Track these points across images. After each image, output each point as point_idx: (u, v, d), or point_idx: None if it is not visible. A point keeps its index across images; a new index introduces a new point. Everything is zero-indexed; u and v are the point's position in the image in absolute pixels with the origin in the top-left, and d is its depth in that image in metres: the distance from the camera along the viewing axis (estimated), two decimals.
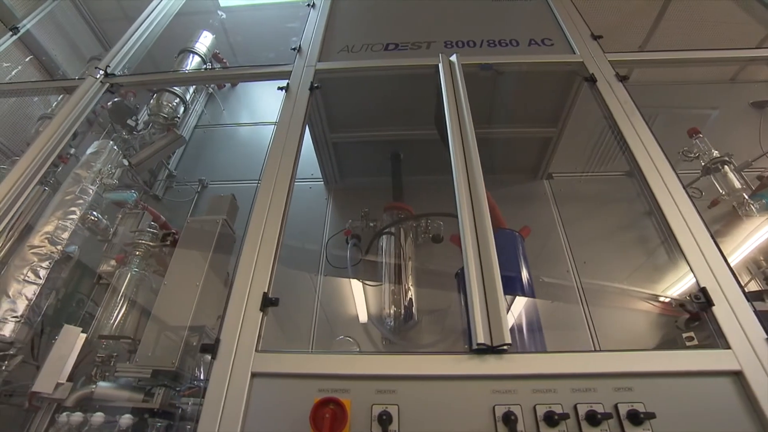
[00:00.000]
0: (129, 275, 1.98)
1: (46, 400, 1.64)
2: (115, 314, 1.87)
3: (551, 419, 1.11)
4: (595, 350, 1.26)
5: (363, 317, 2.34)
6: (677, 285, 2.24)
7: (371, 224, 2.40)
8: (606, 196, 2.70)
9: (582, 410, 1.13)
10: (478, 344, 1.21)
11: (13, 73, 2.95)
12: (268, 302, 1.36)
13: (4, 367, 1.87)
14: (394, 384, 1.20)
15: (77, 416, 1.46)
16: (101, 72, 2.72)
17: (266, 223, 1.54)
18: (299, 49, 2.28)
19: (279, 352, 1.28)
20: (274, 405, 1.20)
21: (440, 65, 2.05)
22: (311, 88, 2.02)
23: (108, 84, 2.29)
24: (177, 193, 3.02)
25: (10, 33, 2.83)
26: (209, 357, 1.52)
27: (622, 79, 1.92)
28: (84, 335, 1.73)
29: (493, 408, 1.14)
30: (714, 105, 3.01)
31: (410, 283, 2.14)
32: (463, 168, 1.61)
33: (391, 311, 2.05)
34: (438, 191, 2.81)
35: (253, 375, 1.23)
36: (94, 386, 1.63)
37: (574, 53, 2.12)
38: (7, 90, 2.66)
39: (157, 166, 3.06)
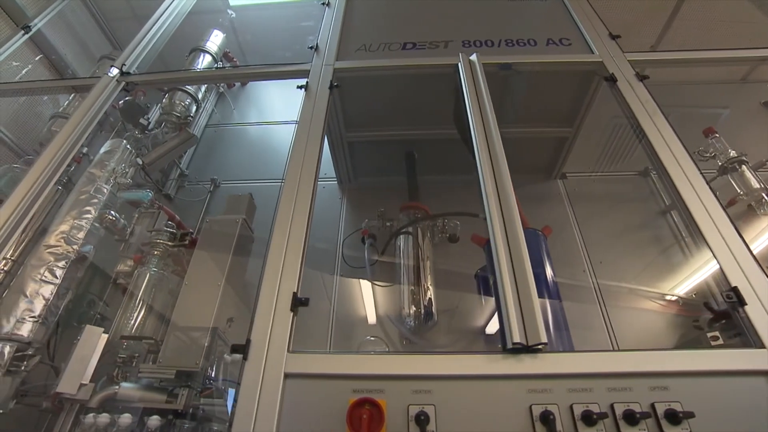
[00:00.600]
0: (148, 275, 1.96)
1: (69, 400, 1.63)
2: (134, 314, 1.86)
3: (590, 419, 1.11)
4: (631, 350, 1.25)
5: (372, 318, 2.34)
6: (688, 284, 2.26)
7: (388, 224, 2.39)
8: (620, 196, 2.71)
9: (619, 410, 1.13)
10: (513, 344, 1.20)
11: (23, 71, 2.92)
12: (298, 302, 1.35)
13: (23, 368, 1.86)
14: (430, 384, 1.20)
15: (104, 417, 1.44)
16: (114, 70, 2.71)
17: (292, 223, 1.53)
18: (316, 48, 2.27)
19: (312, 353, 1.27)
20: (308, 406, 1.19)
21: (460, 65, 2.05)
22: (331, 87, 2.01)
23: (123, 83, 2.27)
24: (189, 192, 3.00)
25: (23, 32, 2.80)
26: (228, 357, 1.51)
27: (642, 78, 1.92)
28: (105, 336, 1.71)
29: (530, 408, 1.14)
30: (724, 104, 3.02)
31: (429, 283, 2.13)
32: (490, 167, 1.61)
33: (411, 311, 2.05)
34: (452, 191, 2.84)
35: (286, 376, 1.22)
36: (117, 387, 1.62)
37: (593, 53, 2.12)
38: (23, 89, 2.64)
39: (168, 166, 3.04)
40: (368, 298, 2.37)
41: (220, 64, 3.25)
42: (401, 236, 2.30)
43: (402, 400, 1.16)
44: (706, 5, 2.78)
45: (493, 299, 2.26)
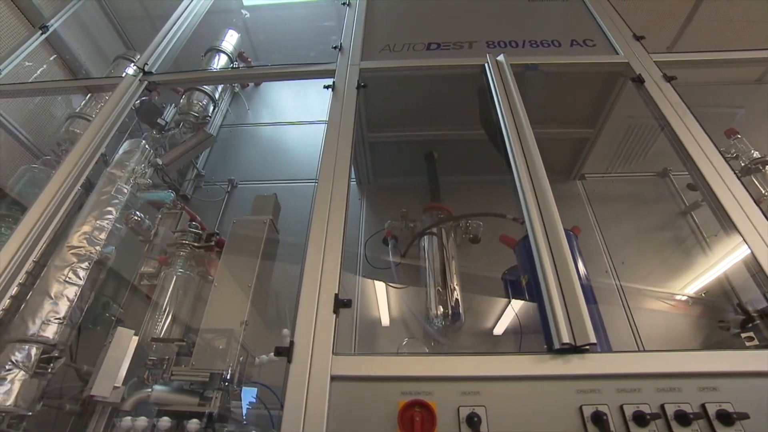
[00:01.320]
0: (175, 277, 1.95)
1: (101, 403, 1.61)
2: (163, 316, 1.84)
3: (642, 419, 1.11)
4: (678, 350, 1.25)
5: (387, 319, 2.33)
6: (704, 283, 2.27)
7: (411, 224, 2.39)
8: (638, 197, 2.72)
9: (670, 410, 1.12)
10: (562, 344, 1.20)
11: (38, 71, 2.90)
12: (340, 304, 1.34)
13: (50, 369, 1.84)
14: (478, 385, 1.19)
15: (142, 421, 1.42)
16: (130, 70, 2.68)
17: (329, 224, 1.52)
18: (341, 48, 2.27)
19: (358, 355, 1.26)
20: (356, 408, 1.18)
21: (488, 65, 2.05)
22: (358, 87, 2.00)
23: (146, 82, 2.25)
24: (206, 192, 2.98)
25: (40, 32, 2.78)
26: (264, 358, 1.50)
27: (670, 79, 1.92)
28: (136, 338, 1.69)
29: (580, 408, 1.14)
30: (739, 104, 3.04)
31: (456, 283, 2.13)
32: (525, 168, 1.61)
33: (439, 312, 2.04)
34: (471, 191, 2.84)
35: (333, 378, 1.21)
36: (150, 390, 1.60)
37: (617, 54, 2.12)
38: (40, 89, 2.62)
39: (184, 166, 3.02)
40: (383, 299, 2.36)
41: (235, 64, 3.24)
42: (425, 237, 2.30)
43: (451, 401, 1.16)
44: (722, 7, 2.80)
45: (504, 300, 2.29)
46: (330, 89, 2.04)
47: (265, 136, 3.53)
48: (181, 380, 1.59)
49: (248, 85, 3.74)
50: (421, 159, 2.83)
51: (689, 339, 2.15)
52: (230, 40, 3.25)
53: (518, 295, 1.96)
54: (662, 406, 1.13)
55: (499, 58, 2.04)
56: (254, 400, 1.73)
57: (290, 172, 3.14)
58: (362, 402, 1.19)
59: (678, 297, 2.21)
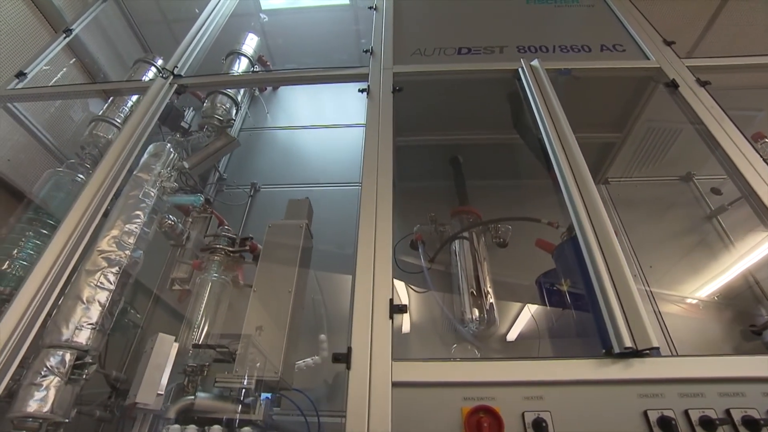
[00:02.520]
0: (210, 282, 1.93)
1: (142, 411, 1.58)
2: (200, 322, 1.82)
3: (710, 424, 1.10)
4: (740, 355, 1.25)
5: (407, 325, 2.31)
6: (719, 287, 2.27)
7: (440, 228, 2.38)
8: (662, 201, 2.73)
9: (737, 415, 1.12)
10: (625, 348, 1.20)
11: (59, 75, 2.88)
12: (395, 309, 1.33)
13: (85, 376, 1.81)
14: (541, 390, 1.18)
15: (191, 430, 1.40)
16: (151, 73, 2.68)
17: (377, 229, 1.51)
18: (372, 52, 2.27)
19: (418, 361, 1.25)
20: (418, 415, 1.17)
21: (523, 70, 2.06)
22: (394, 91, 2.00)
23: (176, 85, 2.24)
24: (228, 196, 2.96)
25: (64, 35, 2.76)
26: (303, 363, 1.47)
27: (704, 84, 1.94)
28: (177, 344, 1.67)
29: (645, 413, 1.13)
30: (758, 107, 3.06)
31: (489, 287, 2.12)
32: (571, 173, 1.61)
33: (474, 316, 2.03)
34: (496, 195, 2.84)
35: (394, 384, 1.20)
36: (192, 397, 1.58)
37: (648, 59, 2.14)
38: (62, 92, 2.60)
39: (206, 169, 3.00)
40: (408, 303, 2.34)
41: (256, 68, 3.23)
42: (456, 241, 2.29)
43: (515, 406, 1.15)
44: (743, 10, 2.82)
45: (517, 306, 2.28)
46: (365, 93, 2.04)
47: (282, 140, 3.52)
48: (225, 387, 1.57)
49: (266, 89, 3.73)
50: (445, 163, 2.84)
51: (720, 344, 2.15)
52: (250, 43, 3.24)
53: (555, 300, 1.95)
54: (727, 411, 1.13)
55: (533, 63, 2.06)
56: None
57: (308, 175, 3.13)
58: (424, 408, 1.18)
59: (700, 301, 2.21)
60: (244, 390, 1.55)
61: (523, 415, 1.13)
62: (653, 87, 2.19)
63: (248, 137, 3.40)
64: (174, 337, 1.66)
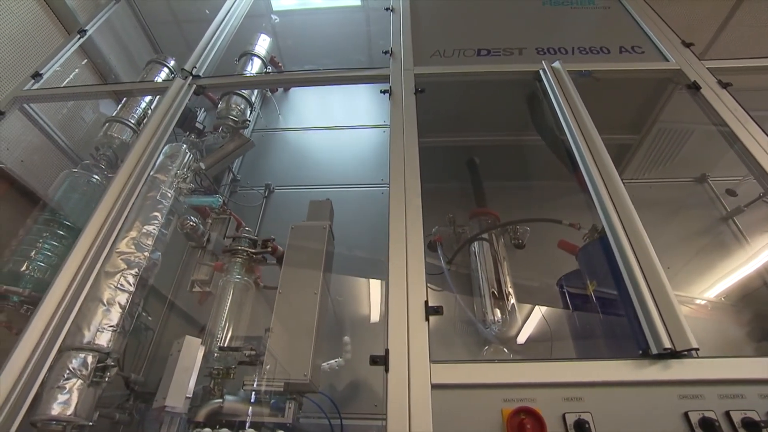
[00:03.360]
0: (233, 284, 1.91)
1: (170, 414, 1.57)
2: (225, 324, 1.81)
3: (754, 426, 1.10)
4: None
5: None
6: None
7: (459, 230, 2.38)
8: (676, 203, 2.74)
9: None
10: (664, 349, 1.20)
11: (71, 75, 2.86)
12: (431, 311, 1.33)
13: (107, 378, 1.79)
14: (581, 391, 1.18)
15: None
16: (164, 74, 2.65)
17: (408, 232, 1.51)
18: (392, 53, 2.27)
19: (457, 363, 1.24)
20: (459, 417, 1.16)
21: (545, 72, 2.06)
22: (416, 92, 2.00)
23: (194, 86, 2.23)
24: (242, 197, 2.95)
25: (78, 36, 2.74)
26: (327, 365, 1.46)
27: (725, 86, 1.95)
28: (203, 347, 1.66)
29: (686, 414, 1.13)
30: None
31: (510, 288, 2.13)
32: (599, 174, 1.61)
33: (496, 317, 2.03)
34: (512, 196, 2.84)
35: (433, 386, 1.19)
36: (221, 400, 1.57)
37: (668, 60, 2.15)
38: (75, 93, 2.58)
39: (219, 171, 2.99)
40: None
41: (268, 69, 3.22)
42: (475, 242, 2.29)
43: (555, 408, 1.14)
44: (760, 11, 2.83)
45: (536, 309, 2.27)
46: (387, 94, 2.04)
47: (293, 141, 3.52)
48: (253, 390, 1.56)
49: (277, 89, 3.72)
50: (459, 164, 2.84)
51: (742, 345, 2.16)
52: (263, 44, 3.23)
53: (578, 302, 1.95)
54: None
55: (554, 64, 2.06)
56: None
57: (321, 177, 3.12)
58: (464, 410, 1.17)
59: (710, 301, 2.22)
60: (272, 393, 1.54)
61: (564, 416, 1.13)
62: (672, 88, 2.20)
63: (260, 138, 3.39)
64: (200, 340, 1.65)
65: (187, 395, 1.53)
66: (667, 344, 1.20)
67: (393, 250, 1.45)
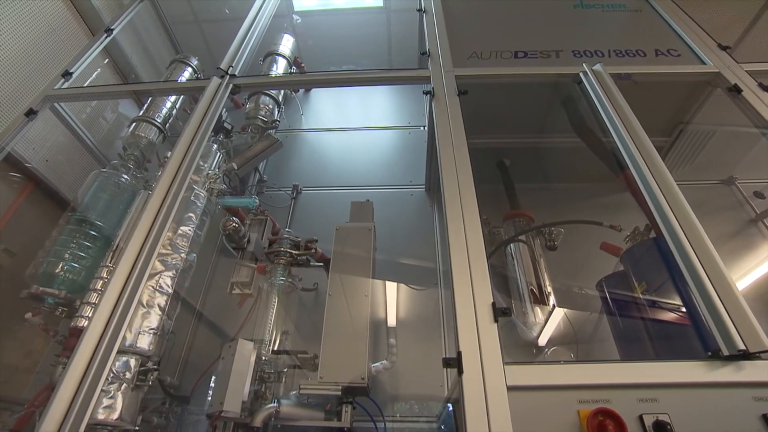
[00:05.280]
0: (278, 286, 1.89)
1: (223, 419, 1.54)
2: (272, 328, 1.78)
3: None
4: None
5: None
6: None
7: (494, 230, 2.38)
8: (704, 205, 2.75)
9: None
10: (738, 350, 1.20)
11: (93, 75, 2.81)
12: (499, 313, 1.32)
13: (150, 382, 1.76)
14: (655, 392, 1.18)
15: None
16: (188, 70, 2.60)
17: (467, 234, 1.50)
18: (429, 54, 2.26)
19: (531, 364, 1.24)
20: (535, 419, 1.16)
21: (585, 74, 2.07)
22: (459, 94, 2.00)
23: (231, 85, 2.21)
24: (269, 198, 2.92)
25: (105, 35, 2.71)
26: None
27: (766, 88, 1.97)
28: (255, 350, 1.63)
29: (764, 416, 1.14)
30: None
31: (549, 289, 2.13)
32: (650, 175, 1.62)
33: (537, 318, 2.03)
34: (542, 198, 2.85)
35: (509, 388, 1.18)
36: (276, 405, 1.55)
37: (704, 63, 2.17)
38: (100, 93, 2.53)
39: (246, 172, 2.96)
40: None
41: (293, 70, 3.20)
42: (511, 244, 2.29)
43: (631, 408, 1.14)
44: None
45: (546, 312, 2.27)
46: (429, 95, 2.04)
47: (316, 141, 3.50)
48: (310, 394, 1.54)
49: (299, 90, 3.70)
50: (487, 166, 2.84)
51: None
52: (287, 44, 3.22)
53: (619, 304, 1.95)
54: None
55: (596, 67, 2.07)
56: None
57: (346, 178, 3.10)
58: (540, 412, 1.17)
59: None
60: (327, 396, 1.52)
61: (641, 417, 1.13)
62: (709, 92, 2.22)
63: (284, 139, 3.36)
64: (252, 343, 1.63)
65: (243, 399, 1.51)
66: (741, 345, 1.21)
67: (454, 254, 1.44)
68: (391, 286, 2.61)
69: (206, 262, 2.60)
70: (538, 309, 2.06)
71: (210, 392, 1.64)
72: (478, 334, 1.28)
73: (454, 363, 1.23)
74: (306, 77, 2.85)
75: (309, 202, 2.91)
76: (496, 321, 1.30)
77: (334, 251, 1.86)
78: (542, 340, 2.19)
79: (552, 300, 2.09)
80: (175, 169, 1.79)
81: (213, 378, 1.65)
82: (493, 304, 1.33)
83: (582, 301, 2.25)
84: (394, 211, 2.74)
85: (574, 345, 2.08)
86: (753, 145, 2.56)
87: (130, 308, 1.46)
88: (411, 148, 3.18)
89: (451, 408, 1.98)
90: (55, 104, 2.36)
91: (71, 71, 2.43)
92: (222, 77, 2.23)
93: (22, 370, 2.58)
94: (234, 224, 1.95)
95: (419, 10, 2.64)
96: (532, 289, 2.10)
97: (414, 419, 2.01)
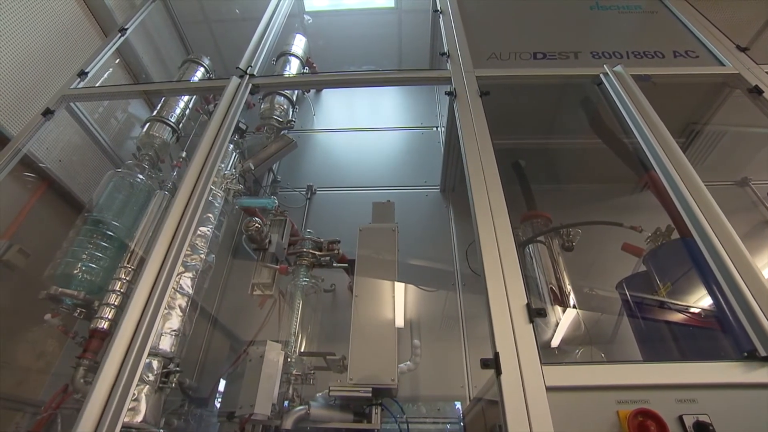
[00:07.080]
0: (301, 287, 1.88)
1: (252, 421, 1.53)
2: (297, 329, 1.77)
3: None
4: None
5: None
6: None
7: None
8: (719, 206, 2.76)
9: None
10: None
11: (105, 75, 2.79)
12: (534, 313, 1.32)
13: (173, 384, 1.75)
14: (693, 393, 1.18)
15: None
16: (200, 70, 2.58)
17: (497, 235, 1.49)
18: (449, 55, 2.26)
19: (569, 365, 1.24)
20: (574, 419, 1.16)
21: (606, 75, 2.08)
22: (481, 95, 2.00)
23: (251, 85, 2.20)
24: (283, 199, 2.91)
25: (119, 34, 2.69)
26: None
27: None
28: (283, 353, 1.62)
29: None
30: None
31: (570, 290, 2.13)
32: (677, 176, 1.63)
33: (557, 318, 2.03)
34: (557, 199, 2.85)
35: (548, 389, 1.18)
36: (307, 407, 1.54)
37: (723, 65, 2.18)
38: (116, 93, 2.52)
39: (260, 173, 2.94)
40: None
41: (305, 70, 3.20)
42: (530, 245, 2.29)
43: (670, 409, 1.14)
44: None
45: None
46: (451, 96, 2.04)
47: (328, 142, 3.49)
48: (341, 396, 1.53)
49: (309, 91, 3.69)
50: (503, 167, 2.83)
51: None
52: (299, 44, 3.21)
53: (641, 305, 1.96)
54: None
55: (616, 68, 2.08)
56: None
57: (359, 179, 3.10)
58: (579, 412, 1.16)
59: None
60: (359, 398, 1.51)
61: (681, 418, 1.13)
62: (728, 93, 2.23)
63: (296, 139, 3.35)
64: (280, 345, 1.62)
65: (273, 402, 1.50)
66: None
67: (486, 255, 1.43)
68: (409, 288, 2.61)
69: (222, 263, 2.58)
70: (559, 309, 2.06)
71: (218, 395, 1.63)
72: (514, 335, 1.28)
73: (492, 364, 1.23)
74: (324, 77, 2.83)
75: (324, 203, 2.90)
76: (531, 322, 1.30)
77: (359, 254, 1.85)
78: (558, 341, 2.20)
79: (572, 299, 2.09)
80: (198, 170, 1.78)
81: (222, 381, 1.63)
82: (528, 304, 1.33)
83: (599, 302, 2.26)
84: (409, 211, 2.73)
85: (602, 345, 2.09)
86: (765, 145, 2.58)
87: (159, 311, 1.44)
88: (425, 149, 3.18)
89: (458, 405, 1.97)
90: (71, 104, 2.33)
91: (87, 71, 2.41)
92: (241, 77, 2.22)
93: (35, 371, 2.55)
94: (257, 225, 1.94)
95: (436, 11, 2.64)
96: (551, 288, 2.11)
97: (433, 420, 2.00)
